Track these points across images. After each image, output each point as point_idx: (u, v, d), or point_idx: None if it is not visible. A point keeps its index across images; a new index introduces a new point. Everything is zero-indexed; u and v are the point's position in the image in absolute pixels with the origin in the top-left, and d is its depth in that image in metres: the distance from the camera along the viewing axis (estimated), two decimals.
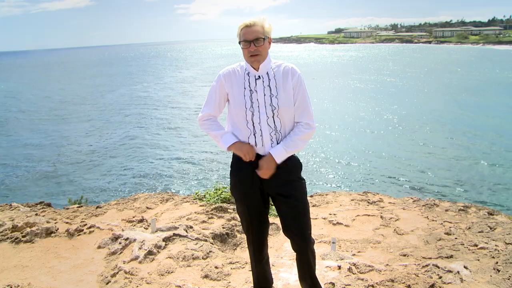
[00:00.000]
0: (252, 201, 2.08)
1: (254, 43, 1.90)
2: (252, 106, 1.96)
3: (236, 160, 2.09)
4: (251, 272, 2.44)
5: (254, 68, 1.98)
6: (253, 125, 1.97)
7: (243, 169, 2.04)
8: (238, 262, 3.02)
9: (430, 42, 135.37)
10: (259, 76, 1.99)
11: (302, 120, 2.00)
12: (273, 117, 1.96)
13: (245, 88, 1.99)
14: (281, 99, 1.95)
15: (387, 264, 3.04)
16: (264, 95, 1.96)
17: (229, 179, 2.17)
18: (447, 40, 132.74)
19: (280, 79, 1.98)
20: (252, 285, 2.44)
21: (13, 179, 15.97)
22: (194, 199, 5.18)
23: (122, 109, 31.37)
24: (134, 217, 4.36)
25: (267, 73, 1.99)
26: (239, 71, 2.03)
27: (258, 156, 2.01)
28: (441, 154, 17.36)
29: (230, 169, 2.15)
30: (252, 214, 2.13)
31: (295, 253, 2.20)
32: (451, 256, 3.24)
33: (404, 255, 3.44)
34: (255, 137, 1.98)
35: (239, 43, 1.96)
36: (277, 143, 1.99)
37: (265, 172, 1.96)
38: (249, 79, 2.00)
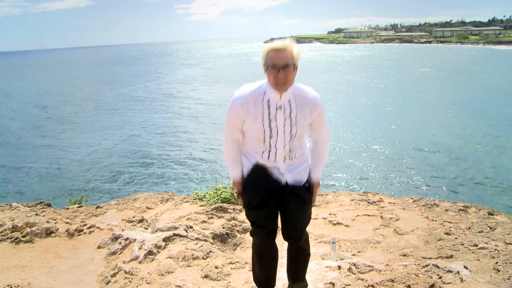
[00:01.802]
0: (269, 209, 2.12)
1: (282, 70, 1.76)
2: (271, 132, 1.93)
3: (250, 176, 2.07)
4: (251, 271, 2.44)
5: (278, 92, 1.86)
6: (269, 144, 1.97)
7: (260, 188, 2.05)
8: (238, 262, 3.02)
9: (430, 42, 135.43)
10: (280, 106, 1.88)
11: (321, 137, 2.10)
12: (289, 141, 1.97)
13: (263, 117, 1.90)
14: (300, 127, 1.94)
15: (387, 264, 3.04)
16: (284, 125, 1.92)
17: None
18: (447, 40, 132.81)
19: (301, 108, 1.91)
20: (253, 285, 2.44)
21: (13, 179, 15.97)
22: (194, 199, 5.17)
23: (122, 109, 31.36)
24: (134, 217, 4.36)
25: (289, 101, 1.89)
26: (257, 99, 1.88)
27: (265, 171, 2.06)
28: (441, 154, 17.36)
29: (244, 184, 2.11)
30: (268, 219, 2.15)
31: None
32: (451, 256, 3.24)
33: (404, 255, 3.44)
34: (269, 153, 1.99)
35: (265, 66, 1.80)
36: (290, 159, 2.02)
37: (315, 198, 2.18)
38: (269, 108, 1.88)
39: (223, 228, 4.01)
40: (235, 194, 5.10)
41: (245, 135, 2.05)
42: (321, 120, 2.01)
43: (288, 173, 2.03)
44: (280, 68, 1.75)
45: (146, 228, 3.80)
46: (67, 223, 3.88)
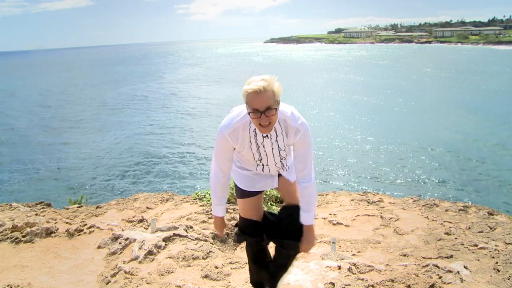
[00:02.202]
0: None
1: (265, 113, 1.68)
2: (260, 155, 1.96)
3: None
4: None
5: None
6: (261, 162, 2.01)
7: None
8: (238, 262, 3.02)
9: (430, 42, 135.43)
10: (266, 135, 1.89)
11: (304, 176, 1.97)
12: (279, 161, 2.01)
13: (251, 143, 1.91)
14: (288, 150, 1.99)
15: (387, 264, 3.04)
16: (272, 149, 1.94)
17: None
18: (447, 40, 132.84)
19: (286, 133, 1.90)
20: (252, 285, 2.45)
21: (13, 179, 15.97)
22: (194, 199, 5.17)
23: (122, 109, 31.36)
24: (134, 217, 4.36)
25: (275, 128, 1.87)
26: (243, 128, 1.86)
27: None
28: (441, 154, 17.37)
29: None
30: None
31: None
32: (451, 256, 3.24)
33: (404, 255, 3.44)
34: (263, 167, 2.04)
35: (247, 107, 1.72)
36: (283, 171, 2.09)
37: (311, 246, 2.08)
38: (255, 136, 1.88)
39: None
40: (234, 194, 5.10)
41: (238, 154, 2.06)
42: (304, 146, 1.90)
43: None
44: (262, 113, 1.68)
45: (146, 228, 3.80)
46: (67, 223, 3.88)
